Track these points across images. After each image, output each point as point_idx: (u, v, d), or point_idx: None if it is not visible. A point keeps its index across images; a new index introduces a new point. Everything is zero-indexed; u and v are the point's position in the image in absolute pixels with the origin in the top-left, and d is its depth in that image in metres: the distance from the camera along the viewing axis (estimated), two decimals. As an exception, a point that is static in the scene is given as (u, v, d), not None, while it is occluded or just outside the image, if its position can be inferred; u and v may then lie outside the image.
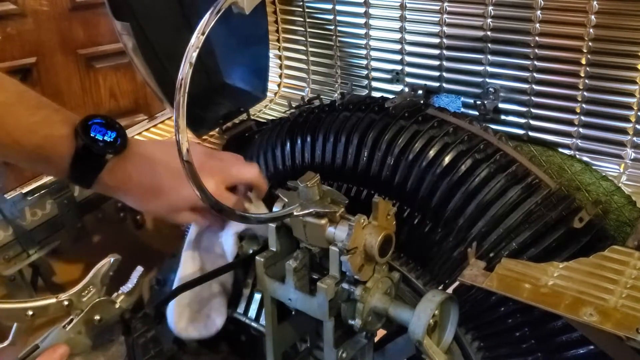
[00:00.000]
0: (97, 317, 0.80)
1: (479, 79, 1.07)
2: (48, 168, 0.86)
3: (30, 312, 0.75)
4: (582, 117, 0.98)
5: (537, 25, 0.97)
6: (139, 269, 0.85)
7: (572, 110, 0.99)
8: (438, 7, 1.06)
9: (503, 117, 1.07)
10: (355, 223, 0.78)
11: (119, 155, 0.84)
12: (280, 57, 1.35)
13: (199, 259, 0.98)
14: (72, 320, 0.78)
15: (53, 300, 0.77)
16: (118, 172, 0.85)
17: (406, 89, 1.17)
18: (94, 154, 0.82)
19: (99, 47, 2.32)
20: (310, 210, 0.81)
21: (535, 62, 0.99)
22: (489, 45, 1.03)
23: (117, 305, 0.81)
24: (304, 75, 1.34)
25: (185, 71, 0.67)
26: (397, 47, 1.15)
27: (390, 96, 1.08)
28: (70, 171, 0.83)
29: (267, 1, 1.29)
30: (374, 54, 1.20)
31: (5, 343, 0.74)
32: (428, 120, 0.95)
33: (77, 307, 0.79)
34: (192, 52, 0.67)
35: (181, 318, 0.97)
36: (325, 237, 0.82)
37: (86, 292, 0.80)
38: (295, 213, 0.81)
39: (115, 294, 0.82)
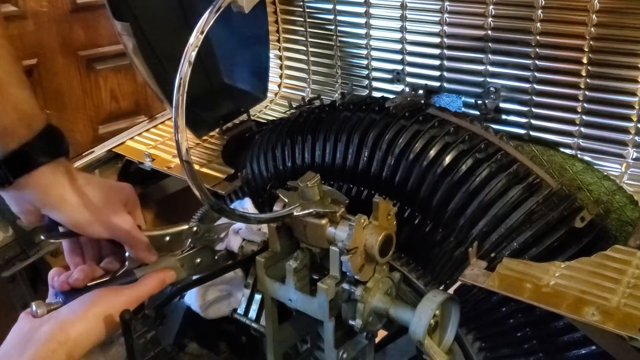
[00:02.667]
0: (198, 260, 0.91)
1: (480, 79, 1.07)
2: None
3: (167, 238, 0.88)
4: (584, 117, 0.98)
5: (538, 24, 0.96)
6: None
7: (573, 110, 0.99)
8: (439, 7, 1.06)
9: (504, 116, 1.07)
10: (356, 223, 0.78)
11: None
12: (280, 58, 1.35)
13: None
14: (182, 252, 0.90)
15: (185, 226, 0.89)
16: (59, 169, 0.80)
17: (407, 89, 1.16)
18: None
19: (100, 49, 2.32)
20: (311, 210, 0.81)
21: (537, 62, 0.99)
22: (490, 44, 1.03)
23: (215, 257, 0.94)
24: (304, 75, 1.33)
25: (184, 70, 0.67)
26: (398, 46, 1.15)
27: (391, 96, 1.08)
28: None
29: (267, 1, 1.29)
30: (374, 53, 1.20)
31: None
32: (429, 120, 0.94)
33: (197, 239, 0.91)
34: (191, 51, 0.67)
35: (205, 301, 1.00)
36: (326, 237, 0.82)
37: (206, 235, 0.92)
38: (295, 213, 0.81)
39: (217, 249, 0.95)
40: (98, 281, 0.82)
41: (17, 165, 0.76)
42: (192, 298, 1.02)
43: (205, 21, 0.68)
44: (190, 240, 0.90)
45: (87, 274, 0.81)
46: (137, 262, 0.85)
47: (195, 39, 0.67)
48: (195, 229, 0.90)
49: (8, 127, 0.75)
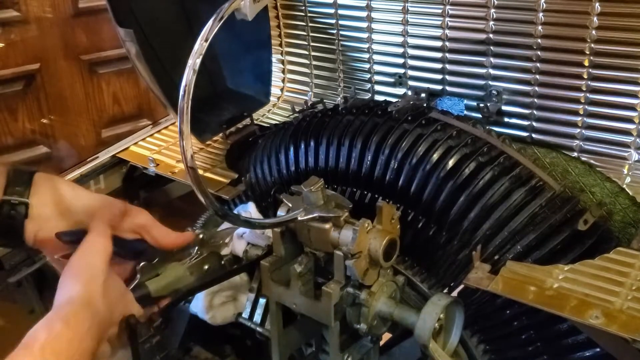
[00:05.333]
0: (206, 267, 0.91)
1: (482, 82, 1.07)
2: None
3: (174, 250, 0.87)
4: (586, 119, 0.98)
5: (540, 27, 0.97)
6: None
7: (575, 112, 0.99)
8: (440, 11, 1.06)
9: (506, 119, 1.07)
10: (360, 227, 0.78)
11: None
12: (283, 62, 1.36)
13: None
14: (190, 260, 0.89)
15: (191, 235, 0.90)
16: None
17: (409, 93, 1.17)
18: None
19: (102, 53, 2.33)
20: (314, 214, 0.81)
21: (538, 64, 0.99)
22: (492, 47, 1.03)
23: (222, 262, 0.94)
24: (306, 79, 1.34)
25: (189, 78, 0.67)
26: (400, 50, 1.15)
27: (393, 100, 1.09)
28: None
29: (269, 6, 1.30)
30: (376, 57, 1.20)
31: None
32: (431, 124, 0.95)
33: (203, 246, 0.90)
34: (195, 59, 0.68)
35: (211, 307, 1.01)
36: (330, 241, 0.82)
37: (211, 241, 0.92)
38: (299, 218, 0.81)
39: (224, 252, 0.95)
40: None
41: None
42: (198, 306, 1.02)
43: (209, 29, 0.69)
44: (196, 248, 0.91)
45: None
46: (148, 275, 0.84)
47: (199, 46, 0.68)
48: (201, 236, 0.91)
49: None
